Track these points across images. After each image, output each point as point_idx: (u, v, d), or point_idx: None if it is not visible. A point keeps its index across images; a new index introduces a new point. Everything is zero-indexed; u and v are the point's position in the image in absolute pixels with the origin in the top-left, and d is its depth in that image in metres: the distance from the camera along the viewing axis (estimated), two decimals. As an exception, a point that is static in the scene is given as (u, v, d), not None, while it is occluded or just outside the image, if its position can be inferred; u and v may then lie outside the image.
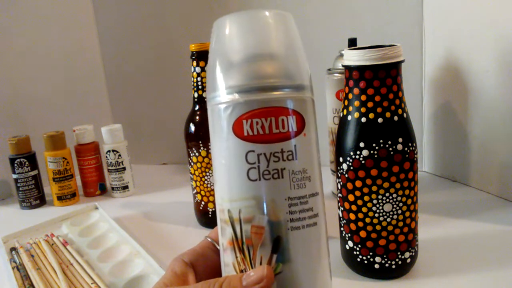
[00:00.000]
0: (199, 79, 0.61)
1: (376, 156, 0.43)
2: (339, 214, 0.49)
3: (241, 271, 0.25)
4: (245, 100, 0.24)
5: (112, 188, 0.82)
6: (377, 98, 0.43)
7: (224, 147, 0.25)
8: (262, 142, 0.24)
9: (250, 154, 0.24)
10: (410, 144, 0.44)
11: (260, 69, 0.24)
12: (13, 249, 0.60)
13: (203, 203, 0.63)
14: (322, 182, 0.27)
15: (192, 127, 0.62)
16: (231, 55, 0.25)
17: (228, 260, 0.26)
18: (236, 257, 0.25)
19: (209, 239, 0.30)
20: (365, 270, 0.47)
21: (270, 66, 0.24)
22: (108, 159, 0.80)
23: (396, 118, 0.43)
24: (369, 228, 0.45)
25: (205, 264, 0.29)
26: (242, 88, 0.24)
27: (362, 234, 0.46)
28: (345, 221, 0.47)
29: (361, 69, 0.43)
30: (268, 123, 0.24)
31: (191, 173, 0.64)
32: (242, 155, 0.24)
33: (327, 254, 0.26)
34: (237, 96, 0.24)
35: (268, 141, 0.24)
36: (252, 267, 0.25)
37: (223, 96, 0.25)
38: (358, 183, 0.44)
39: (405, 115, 0.44)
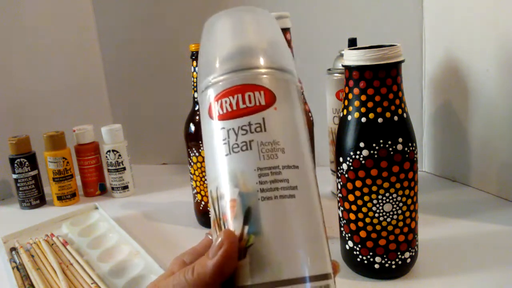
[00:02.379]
0: (199, 79, 0.61)
1: (376, 156, 0.43)
2: (339, 214, 0.49)
3: None
4: (214, 83, 0.26)
5: (112, 188, 0.82)
6: (377, 98, 0.43)
7: (204, 132, 0.27)
8: (230, 118, 0.25)
9: (222, 131, 0.25)
10: (410, 144, 0.44)
11: (230, 56, 0.26)
12: (13, 249, 0.60)
13: (203, 203, 0.63)
14: (311, 159, 0.27)
15: (192, 127, 0.62)
16: (209, 52, 0.28)
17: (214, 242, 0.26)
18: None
19: (210, 237, 0.30)
20: (365, 270, 0.47)
21: (240, 53, 0.26)
22: (108, 159, 0.80)
23: (396, 118, 0.43)
24: (369, 228, 0.45)
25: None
26: (214, 76, 0.26)
27: (362, 234, 0.46)
28: (345, 221, 0.47)
29: (361, 69, 0.43)
30: (236, 100, 0.25)
31: (191, 173, 0.64)
32: (216, 135, 0.26)
33: (313, 230, 0.25)
34: (209, 83, 0.26)
35: (235, 116, 0.25)
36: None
37: (201, 86, 0.27)
38: (358, 183, 0.44)
39: (405, 115, 0.44)
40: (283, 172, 0.24)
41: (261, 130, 0.25)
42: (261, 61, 0.26)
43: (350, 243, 0.47)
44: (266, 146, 0.25)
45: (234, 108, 0.25)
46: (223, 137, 0.25)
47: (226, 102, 0.25)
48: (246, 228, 0.24)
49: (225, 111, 0.25)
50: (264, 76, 0.26)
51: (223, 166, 0.25)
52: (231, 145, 0.25)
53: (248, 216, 0.24)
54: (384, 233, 0.45)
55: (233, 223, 0.24)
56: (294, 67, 0.28)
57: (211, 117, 0.26)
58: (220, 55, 0.27)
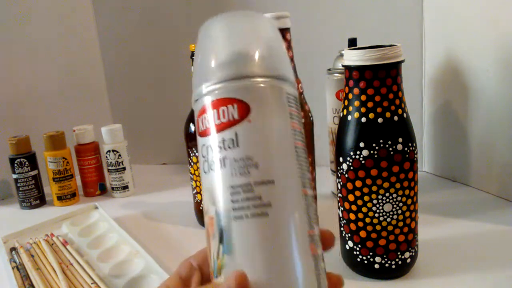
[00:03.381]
0: (199, 79, 0.60)
1: (376, 156, 0.43)
2: (339, 214, 0.49)
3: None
4: (195, 101, 0.26)
5: (112, 188, 0.82)
6: (377, 98, 0.43)
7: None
8: (207, 135, 0.25)
9: (203, 148, 0.25)
10: (410, 144, 0.44)
11: (208, 70, 0.26)
12: (13, 249, 0.60)
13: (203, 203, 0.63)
14: (295, 171, 0.25)
15: (192, 127, 0.62)
16: (195, 64, 0.27)
17: None
18: (208, 248, 0.26)
19: None
20: (365, 270, 0.47)
21: (217, 65, 0.25)
22: (108, 159, 0.80)
23: (396, 118, 0.43)
24: (369, 228, 0.45)
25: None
26: (196, 93, 0.26)
27: (362, 234, 0.46)
28: (345, 221, 0.47)
29: (361, 69, 0.43)
30: (212, 116, 0.25)
31: (191, 173, 0.64)
32: (199, 151, 0.26)
33: (289, 249, 0.23)
34: (193, 100, 0.27)
35: (212, 133, 0.25)
36: (210, 259, 0.25)
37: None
38: (358, 183, 0.44)
39: (405, 115, 0.44)
40: (255, 189, 0.23)
41: (234, 146, 0.24)
42: (237, 70, 0.25)
43: (350, 243, 0.47)
44: (238, 163, 0.24)
45: (211, 124, 0.25)
46: (203, 154, 0.25)
47: (204, 118, 0.25)
48: (221, 247, 0.24)
49: (204, 128, 0.25)
50: (237, 87, 0.25)
51: (204, 183, 0.25)
52: (209, 162, 0.24)
53: (222, 235, 0.24)
54: (384, 233, 0.45)
55: (212, 241, 0.24)
56: (289, 72, 0.27)
57: (198, 132, 0.26)
58: (199, 69, 0.26)
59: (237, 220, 0.23)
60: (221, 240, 0.24)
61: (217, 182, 0.24)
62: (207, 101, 0.25)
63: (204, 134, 0.25)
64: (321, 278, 0.25)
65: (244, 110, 0.24)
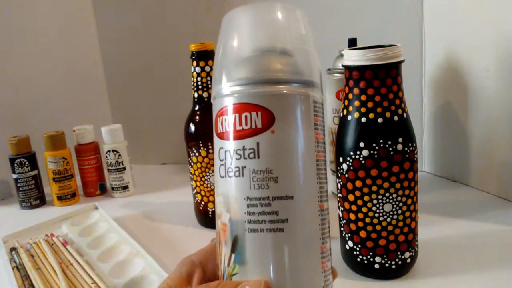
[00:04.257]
0: (199, 79, 0.61)
1: (376, 156, 0.43)
2: (339, 214, 0.49)
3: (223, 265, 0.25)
4: (216, 98, 0.25)
5: (112, 188, 0.82)
6: (377, 98, 0.43)
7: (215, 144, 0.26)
8: (227, 139, 0.24)
9: (221, 151, 0.24)
10: (410, 144, 0.44)
11: (232, 67, 0.24)
12: (13, 249, 0.60)
13: (203, 203, 0.63)
14: (313, 187, 0.24)
15: (192, 127, 0.62)
16: (217, 58, 0.26)
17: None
18: (217, 251, 0.26)
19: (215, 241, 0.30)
20: (365, 270, 0.47)
21: (236, 62, 0.24)
22: (108, 159, 0.80)
23: (396, 118, 0.43)
24: (369, 228, 0.45)
25: (214, 263, 0.29)
26: (217, 89, 0.25)
27: (362, 234, 0.46)
28: (345, 221, 0.47)
29: (361, 69, 0.43)
30: (233, 121, 0.24)
31: (191, 173, 0.64)
32: (216, 152, 0.25)
33: (302, 265, 0.24)
34: (214, 96, 0.25)
35: (232, 138, 0.24)
36: (220, 263, 0.25)
37: (212, 94, 0.26)
38: (358, 183, 0.44)
39: (405, 115, 0.44)
40: (273, 203, 0.23)
41: (254, 156, 0.23)
42: (266, 73, 0.24)
43: (350, 243, 0.47)
44: (258, 175, 0.23)
45: (231, 129, 0.24)
46: (220, 157, 0.24)
47: (225, 120, 0.24)
48: (233, 256, 0.24)
49: (224, 130, 0.24)
50: (265, 93, 0.23)
51: (219, 186, 0.25)
52: (227, 168, 0.24)
53: (235, 244, 0.24)
54: (384, 233, 0.45)
55: (224, 247, 0.24)
56: (317, 75, 0.25)
57: (215, 131, 0.25)
58: (224, 64, 0.25)
59: (252, 233, 0.23)
60: (233, 249, 0.24)
61: (234, 190, 0.24)
62: (229, 102, 0.24)
63: (223, 137, 0.24)
64: None
65: (269, 119, 0.23)
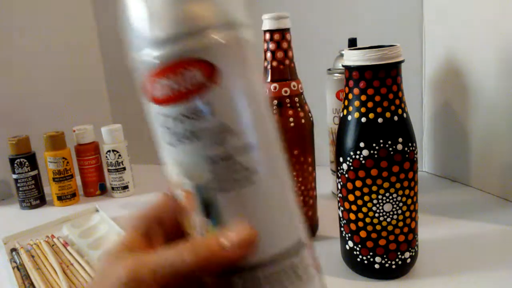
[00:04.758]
0: (199, 79, 0.60)
1: (376, 156, 0.43)
2: (339, 214, 0.49)
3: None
4: (143, 60, 0.22)
5: (112, 188, 0.82)
6: (377, 98, 0.43)
7: (147, 109, 0.23)
8: (168, 103, 0.21)
9: (162, 118, 0.22)
10: (410, 144, 0.44)
11: (152, 20, 0.21)
12: (14, 249, 0.60)
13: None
14: (272, 131, 0.23)
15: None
16: (136, 14, 0.23)
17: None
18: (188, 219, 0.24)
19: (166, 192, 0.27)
20: (365, 270, 0.47)
21: (161, 14, 0.21)
22: (108, 159, 0.80)
23: (396, 118, 0.43)
24: (369, 228, 0.45)
25: (173, 219, 0.26)
26: (143, 48, 0.22)
27: (362, 234, 0.46)
28: (345, 221, 0.47)
29: (361, 69, 0.43)
30: (173, 82, 0.21)
31: (191, 173, 0.63)
32: (156, 120, 0.23)
33: (279, 212, 0.23)
34: (140, 56, 0.22)
35: (173, 101, 0.21)
36: (197, 233, 0.24)
37: (131, 50, 0.23)
38: (358, 183, 0.44)
39: (405, 115, 0.44)
40: (236, 157, 0.22)
41: (204, 114, 0.21)
42: (195, 22, 0.21)
43: (350, 243, 0.47)
44: (213, 132, 0.21)
45: (171, 91, 0.21)
46: (164, 125, 0.22)
47: (161, 83, 0.21)
48: (209, 221, 0.23)
49: (161, 94, 0.21)
50: (198, 45, 0.21)
51: (170, 155, 0.23)
52: (175, 134, 0.22)
53: (208, 209, 0.22)
54: (384, 233, 0.45)
55: (195, 216, 0.23)
56: (243, 12, 0.23)
57: (147, 97, 0.23)
58: (142, 17, 0.22)
59: (223, 193, 0.22)
60: (207, 215, 0.23)
61: (192, 155, 0.22)
62: (163, 61, 0.21)
63: (164, 102, 0.22)
64: (302, 229, 0.25)
65: (210, 71, 0.21)
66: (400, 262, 0.46)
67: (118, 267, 0.22)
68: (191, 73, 0.21)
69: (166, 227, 0.26)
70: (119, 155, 0.79)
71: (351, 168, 0.44)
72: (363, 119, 0.43)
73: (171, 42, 0.21)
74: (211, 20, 0.21)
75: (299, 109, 0.54)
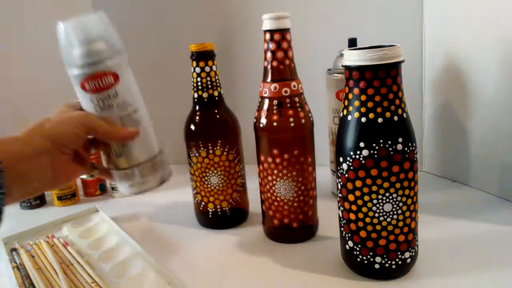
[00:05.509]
0: (199, 79, 0.61)
1: (376, 156, 0.43)
2: (339, 214, 0.49)
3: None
4: (74, 74, 0.44)
5: (112, 188, 0.82)
6: (377, 98, 0.43)
7: (81, 98, 0.45)
8: (96, 92, 0.44)
9: (94, 98, 0.44)
10: (410, 144, 0.44)
11: (85, 52, 0.43)
12: (14, 249, 0.60)
13: (203, 203, 0.63)
14: (141, 100, 0.48)
15: (192, 127, 0.62)
16: (69, 48, 0.44)
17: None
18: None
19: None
20: (365, 270, 0.47)
21: (89, 53, 0.43)
22: (108, 159, 0.80)
23: (396, 118, 0.43)
24: (369, 228, 0.45)
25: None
26: (79, 67, 0.43)
27: (362, 234, 0.46)
28: (345, 221, 0.47)
29: (361, 69, 0.43)
30: (99, 81, 0.43)
31: (191, 173, 0.64)
32: (90, 102, 0.44)
33: (151, 136, 0.49)
34: (77, 70, 0.43)
35: (100, 91, 0.43)
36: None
37: (72, 71, 0.44)
38: (358, 183, 0.44)
39: (405, 115, 0.44)
40: (132, 114, 0.46)
41: (116, 96, 0.44)
42: (105, 54, 0.43)
43: (350, 243, 0.47)
44: (120, 104, 0.45)
45: (98, 86, 0.43)
46: (95, 103, 0.44)
47: (93, 82, 0.43)
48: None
49: (92, 87, 0.43)
50: (110, 64, 0.43)
51: (101, 113, 0.45)
52: (101, 107, 0.44)
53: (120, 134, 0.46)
54: (384, 233, 0.45)
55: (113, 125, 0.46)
56: (120, 43, 0.45)
57: (84, 90, 0.44)
58: (79, 54, 0.43)
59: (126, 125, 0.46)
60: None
61: (111, 115, 0.45)
62: (93, 72, 0.43)
63: (94, 91, 0.43)
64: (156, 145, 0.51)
65: (116, 76, 0.44)
66: (400, 262, 0.46)
67: (76, 111, 0.45)
68: (108, 77, 0.43)
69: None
70: (119, 155, 0.79)
71: (351, 168, 0.44)
72: (363, 119, 0.43)
73: (87, 66, 0.43)
74: (107, 52, 0.43)
75: (299, 109, 0.54)
